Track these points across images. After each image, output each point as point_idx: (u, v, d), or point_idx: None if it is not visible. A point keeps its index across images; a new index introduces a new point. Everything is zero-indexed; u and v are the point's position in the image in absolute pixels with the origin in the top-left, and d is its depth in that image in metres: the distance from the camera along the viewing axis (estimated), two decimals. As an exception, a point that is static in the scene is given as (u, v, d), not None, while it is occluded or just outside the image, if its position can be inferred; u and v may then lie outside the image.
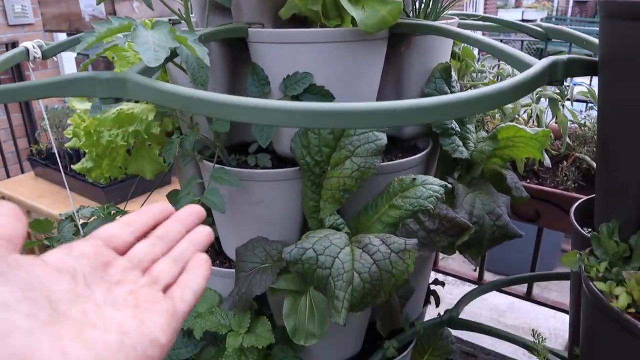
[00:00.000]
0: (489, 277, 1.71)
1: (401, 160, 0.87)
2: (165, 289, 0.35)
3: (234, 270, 0.90)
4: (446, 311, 1.12)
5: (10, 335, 0.24)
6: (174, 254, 0.38)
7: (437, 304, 1.22)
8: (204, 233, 0.41)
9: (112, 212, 1.16)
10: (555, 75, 0.57)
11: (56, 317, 0.27)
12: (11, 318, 0.25)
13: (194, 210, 0.41)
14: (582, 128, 1.19)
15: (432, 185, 0.76)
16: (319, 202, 0.82)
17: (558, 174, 1.21)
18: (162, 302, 0.33)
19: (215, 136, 0.82)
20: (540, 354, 0.87)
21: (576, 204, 0.84)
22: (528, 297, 1.58)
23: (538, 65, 0.55)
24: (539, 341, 0.88)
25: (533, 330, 0.89)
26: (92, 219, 1.15)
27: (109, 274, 0.33)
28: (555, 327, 1.63)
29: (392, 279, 0.65)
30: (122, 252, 0.36)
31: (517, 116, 1.18)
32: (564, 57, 0.58)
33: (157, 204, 0.40)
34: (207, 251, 1.13)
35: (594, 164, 1.12)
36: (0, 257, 0.27)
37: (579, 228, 0.78)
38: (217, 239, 1.04)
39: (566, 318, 1.70)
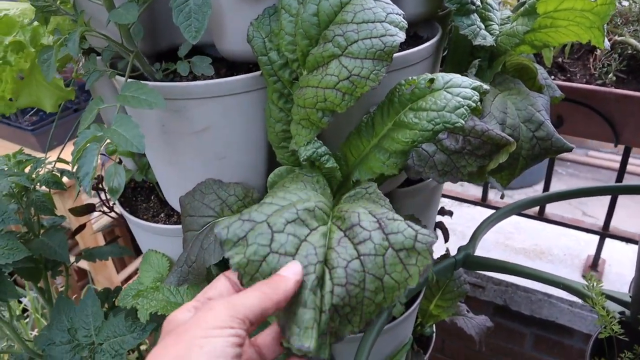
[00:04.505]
0: (474, 191, 1.50)
1: (404, 52, 0.60)
2: None
3: (181, 227, 0.65)
4: (460, 248, 0.90)
5: None
6: None
7: (446, 239, 1.01)
8: None
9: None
10: None
11: None
12: None
13: None
14: (623, 3, 0.92)
15: (461, 88, 0.49)
16: (289, 125, 0.56)
17: (590, 66, 0.96)
18: None
19: (124, 34, 0.54)
20: (597, 303, 0.66)
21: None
22: (540, 216, 1.38)
23: None
24: (593, 285, 0.67)
25: (586, 277, 0.68)
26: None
27: None
28: (568, 247, 1.45)
29: (379, 294, 0.39)
30: None
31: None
32: None
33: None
34: (149, 201, 0.76)
35: (643, 48, 0.86)
36: None
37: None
38: (158, 184, 0.78)
39: (580, 235, 1.53)
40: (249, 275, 0.39)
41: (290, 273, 0.38)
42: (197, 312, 0.36)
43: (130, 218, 0.76)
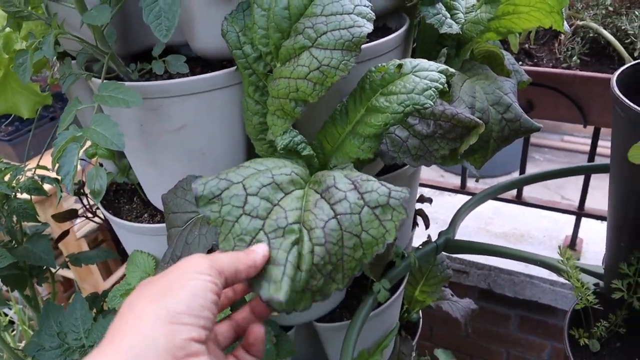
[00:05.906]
0: (454, 181, 1.53)
1: (373, 43, 0.62)
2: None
3: (164, 225, 0.66)
4: (440, 233, 0.93)
5: None
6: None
7: (427, 226, 1.03)
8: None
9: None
10: None
11: None
12: None
13: None
14: (583, -12, 0.96)
15: (428, 72, 0.52)
16: (266, 117, 0.57)
17: (555, 51, 0.99)
18: None
19: (98, 36, 0.54)
20: (572, 276, 0.69)
21: (618, 72, 0.62)
22: (518, 199, 1.42)
23: None
24: (567, 259, 0.70)
25: (561, 252, 0.71)
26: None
27: None
28: (547, 229, 1.49)
29: (358, 250, 0.41)
30: None
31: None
32: None
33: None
34: (131, 202, 0.78)
35: (605, 32, 0.90)
36: None
37: (627, 101, 0.57)
38: (139, 185, 0.78)
39: (558, 217, 1.57)
40: (224, 235, 0.42)
41: (259, 249, 0.40)
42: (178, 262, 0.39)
43: (114, 220, 0.77)
